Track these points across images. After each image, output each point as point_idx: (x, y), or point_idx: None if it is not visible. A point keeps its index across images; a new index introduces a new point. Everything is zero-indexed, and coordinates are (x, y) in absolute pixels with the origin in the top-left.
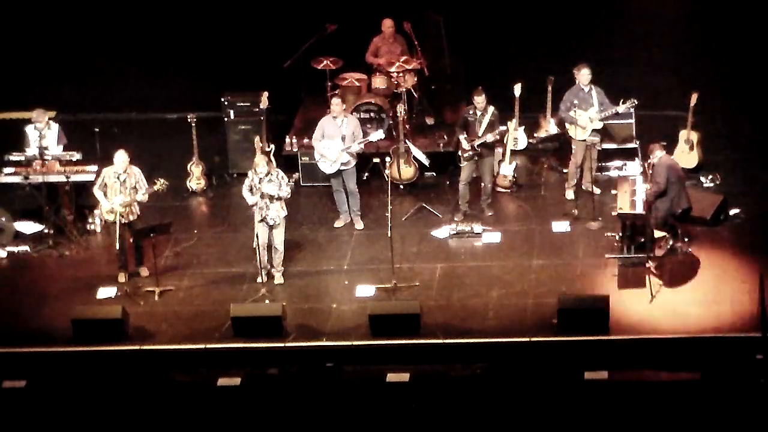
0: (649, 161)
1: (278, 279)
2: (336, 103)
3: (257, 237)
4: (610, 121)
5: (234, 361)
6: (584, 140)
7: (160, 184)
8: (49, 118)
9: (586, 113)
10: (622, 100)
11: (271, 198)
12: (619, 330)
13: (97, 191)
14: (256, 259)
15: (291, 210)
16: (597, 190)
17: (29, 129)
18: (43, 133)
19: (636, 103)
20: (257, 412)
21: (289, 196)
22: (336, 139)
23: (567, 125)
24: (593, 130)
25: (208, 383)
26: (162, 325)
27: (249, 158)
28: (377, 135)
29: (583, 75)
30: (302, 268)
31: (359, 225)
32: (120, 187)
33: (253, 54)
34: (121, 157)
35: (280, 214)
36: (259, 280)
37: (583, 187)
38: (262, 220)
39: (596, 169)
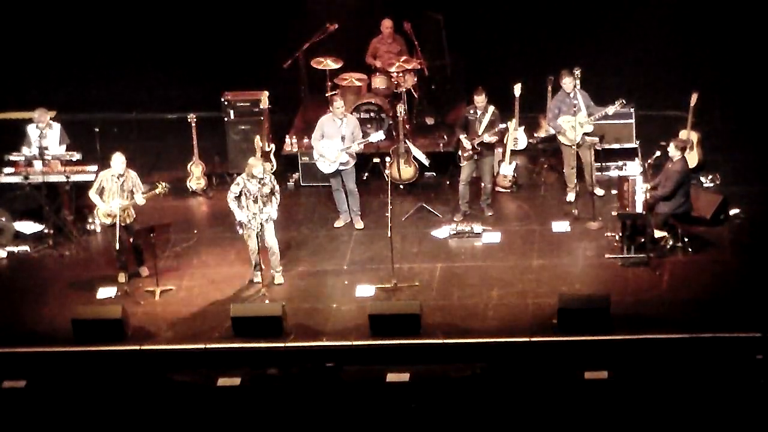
0: (649, 161)
1: (278, 279)
2: (339, 105)
3: (257, 239)
4: (611, 122)
5: (234, 361)
6: (571, 146)
7: (162, 187)
8: (50, 118)
9: (575, 118)
10: (619, 103)
11: (265, 201)
12: (619, 330)
13: (93, 195)
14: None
15: (291, 210)
16: (600, 192)
17: (30, 128)
18: (44, 133)
19: (624, 102)
20: (257, 412)
21: (278, 202)
22: (335, 139)
23: (558, 134)
24: (584, 133)
25: (208, 383)
26: (162, 325)
27: (249, 158)
28: (377, 136)
29: (565, 84)
30: (302, 268)
31: (359, 225)
32: (118, 190)
33: (253, 54)
34: (119, 159)
35: (271, 216)
36: (256, 280)
37: (588, 188)
38: (253, 227)
39: (596, 169)
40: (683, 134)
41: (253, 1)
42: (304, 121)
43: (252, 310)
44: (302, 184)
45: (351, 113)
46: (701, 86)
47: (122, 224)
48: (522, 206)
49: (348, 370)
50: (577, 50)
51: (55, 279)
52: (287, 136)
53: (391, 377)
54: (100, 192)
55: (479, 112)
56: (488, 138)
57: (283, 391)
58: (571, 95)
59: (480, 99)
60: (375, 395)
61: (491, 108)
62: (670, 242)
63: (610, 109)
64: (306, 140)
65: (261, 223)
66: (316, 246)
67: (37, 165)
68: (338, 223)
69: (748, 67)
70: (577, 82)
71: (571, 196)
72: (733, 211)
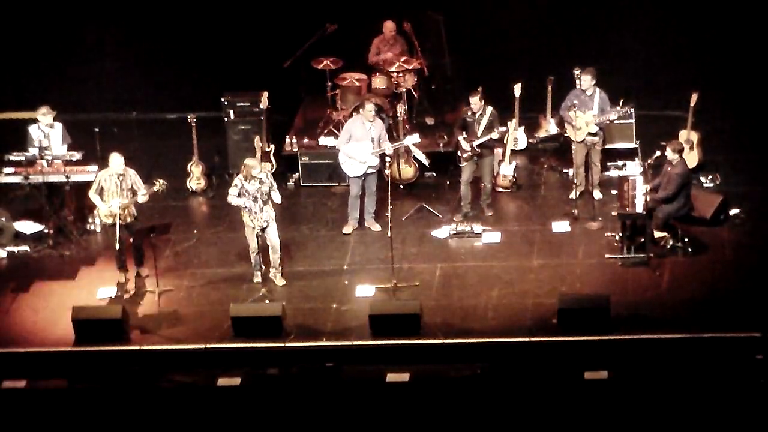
0: (649, 161)
1: (278, 279)
2: (370, 108)
3: (257, 238)
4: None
5: (234, 361)
6: (582, 141)
7: (160, 184)
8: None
9: (584, 116)
10: (620, 103)
11: (265, 201)
12: (619, 330)
13: (93, 195)
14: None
15: (291, 210)
16: (599, 195)
17: (32, 129)
18: (47, 132)
19: (629, 111)
20: (257, 412)
21: (279, 199)
22: (365, 142)
23: (566, 126)
24: (589, 134)
25: (208, 383)
26: (162, 325)
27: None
28: (412, 139)
29: (584, 81)
30: (302, 268)
31: (376, 227)
32: (117, 189)
33: (253, 54)
34: (117, 158)
35: (271, 215)
36: (256, 280)
37: (590, 188)
38: (255, 226)
39: (600, 170)
40: (683, 134)
41: (254, 2)
42: (304, 121)
43: (252, 310)
44: (302, 184)
45: (351, 113)
46: (701, 86)
47: (123, 223)
48: (522, 206)
49: (348, 370)
50: (577, 50)
51: (55, 279)
52: (287, 136)
53: (391, 377)
54: (100, 192)
55: (477, 114)
56: (489, 137)
57: (283, 391)
58: (588, 93)
59: (474, 100)
60: (375, 395)
61: (489, 109)
62: (670, 242)
63: (613, 115)
64: (306, 140)
65: (262, 225)
66: (316, 246)
67: (40, 165)
68: (347, 230)
69: (748, 67)
70: (579, 80)
71: (573, 195)
72: (733, 211)
